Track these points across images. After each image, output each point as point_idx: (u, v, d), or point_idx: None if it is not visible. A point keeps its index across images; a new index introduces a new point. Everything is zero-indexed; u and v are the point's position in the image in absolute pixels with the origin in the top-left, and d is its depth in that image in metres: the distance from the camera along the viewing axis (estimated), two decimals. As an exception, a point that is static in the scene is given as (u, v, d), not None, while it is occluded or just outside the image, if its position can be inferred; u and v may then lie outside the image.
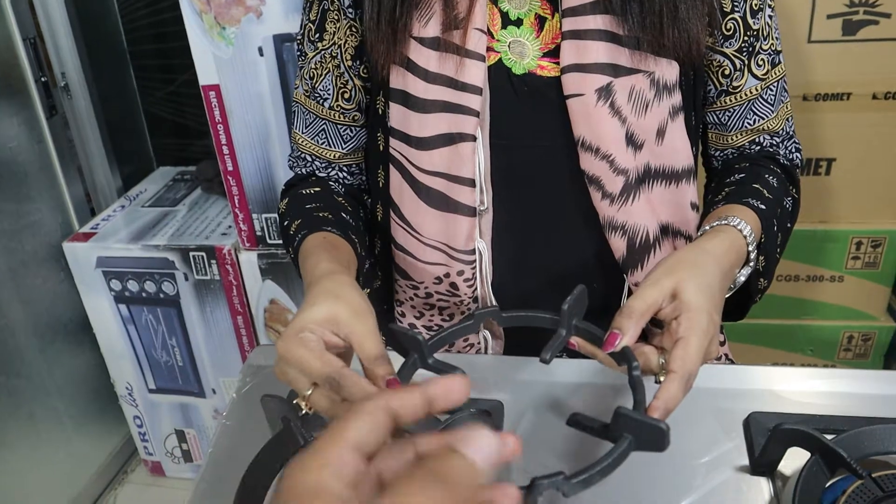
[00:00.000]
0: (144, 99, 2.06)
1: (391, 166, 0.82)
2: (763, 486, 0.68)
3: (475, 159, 0.77)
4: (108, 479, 2.18)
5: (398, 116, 0.79)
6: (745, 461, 0.70)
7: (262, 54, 1.38)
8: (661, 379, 0.60)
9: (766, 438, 0.70)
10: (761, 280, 0.76)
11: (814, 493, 0.63)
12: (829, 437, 0.64)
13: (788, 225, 0.80)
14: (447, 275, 0.81)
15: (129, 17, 1.97)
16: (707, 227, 0.71)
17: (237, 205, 1.57)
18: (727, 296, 0.70)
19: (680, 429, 0.70)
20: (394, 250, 0.86)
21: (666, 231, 0.80)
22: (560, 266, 0.82)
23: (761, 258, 0.74)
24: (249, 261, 1.62)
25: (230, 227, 1.70)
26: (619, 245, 0.78)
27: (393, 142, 0.81)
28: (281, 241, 1.60)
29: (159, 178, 2.04)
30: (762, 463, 0.68)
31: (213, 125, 1.48)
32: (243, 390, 0.82)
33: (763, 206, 0.74)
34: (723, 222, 0.70)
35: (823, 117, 1.34)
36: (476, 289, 0.82)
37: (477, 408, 0.67)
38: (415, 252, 0.83)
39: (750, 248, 0.70)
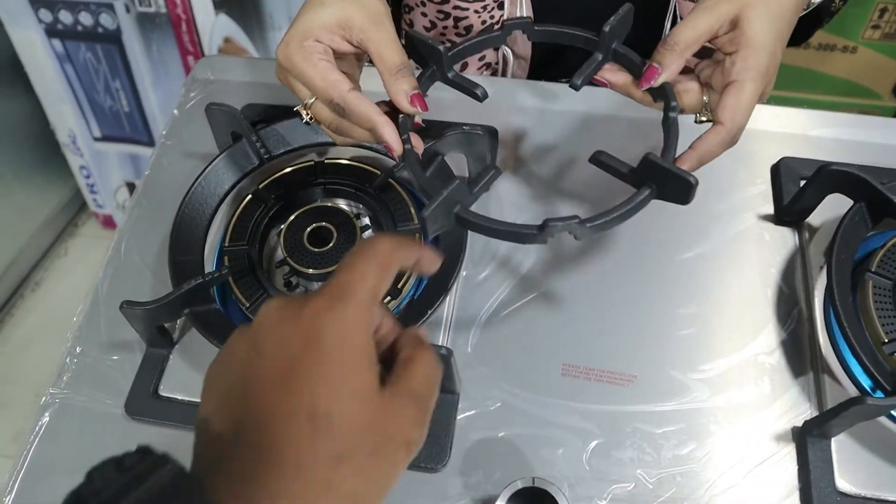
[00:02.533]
0: None
1: None
2: (787, 237, 0.59)
3: None
4: (57, 232, 2.10)
5: None
6: (770, 209, 0.61)
7: None
8: (702, 118, 0.51)
9: (796, 186, 0.61)
10: (836, 1, 0.63)
11: (852, 242, 0.54)
12: (875, 184, 0.55)
13: None
14: None
15: None
16: None
17: (182, -81, 1.34)
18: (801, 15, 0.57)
19: (699, 170, 0.60)
20: None
21: None
22: None
23: None
24: (199, -10, 1.42)
25: (176, -50, 1.47)
26: None
27: None
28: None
29: None
30: (792, 211, 0.59)
31: None
32: (186, 106, 0.69)
33: None
34: None
35: None
36: None
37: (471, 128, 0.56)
38: None
39: None
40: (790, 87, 1.44)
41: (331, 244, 0.54)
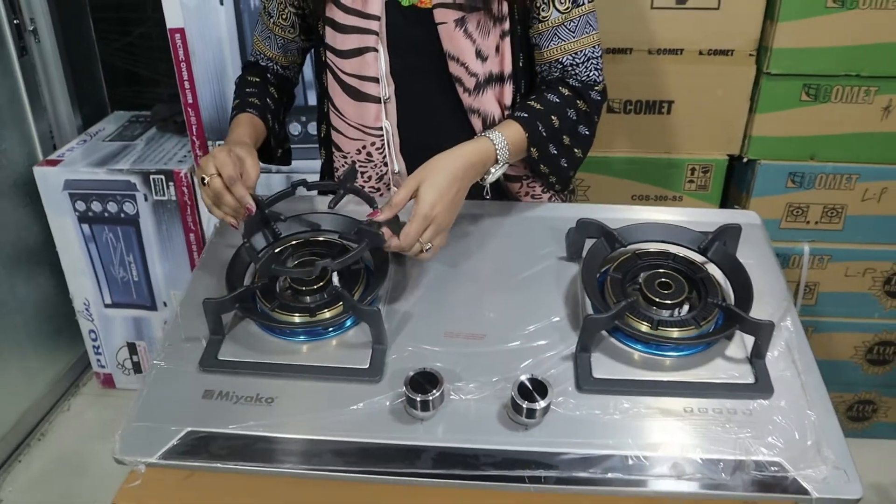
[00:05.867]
0: (102, 49, 2.31)
1: (327, 71, 1.17)
2: (572, 269, 1.05)
3: (377, 64, 1.12)
4: (62, 392, 2.37)
5: (329, 36, 1.15)
6: (565, 253, 1.07)
7: (222, 3, 1.68)
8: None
9: (577, 238, 1.07)
10: (542, 166, 1.14)
11: (596, 260, 1.00)
12: (613, 231, 1.01)
13: (579, 129, 1.14)
14: (364, 146, 1.17)
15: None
16: (479, 134, 1.08)
17: (195, 133, 1.86)
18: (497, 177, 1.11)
19: (520, 237, 1.07)
20: (331, 131, 1.21)
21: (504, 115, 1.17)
22: (441, 138, 1.17)
23: (533, 150, 1.10)
24: (203, 179, 1.91)
25: (185, 156, 1.99)
26: (477, 124, 1.15)
27: (328, 54, 1.16)
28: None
29: (114, 120, 2.30)
30: (573, 251, 1.05)
31: (177, 63, 1.77)
32: (216, 237, 1.14)
33: (525, 115, 1.09)
34: (483, 134, 1.06)
35: (664, 67, 1.73)
36: (385, 156, 1.18)
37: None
38: (343, 131, 1.19)
39: (498, 152, 1.05)
40: (640, 228, 1.95)
41: (313, 278, 0.97)
